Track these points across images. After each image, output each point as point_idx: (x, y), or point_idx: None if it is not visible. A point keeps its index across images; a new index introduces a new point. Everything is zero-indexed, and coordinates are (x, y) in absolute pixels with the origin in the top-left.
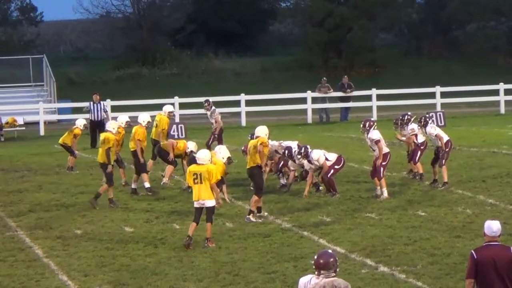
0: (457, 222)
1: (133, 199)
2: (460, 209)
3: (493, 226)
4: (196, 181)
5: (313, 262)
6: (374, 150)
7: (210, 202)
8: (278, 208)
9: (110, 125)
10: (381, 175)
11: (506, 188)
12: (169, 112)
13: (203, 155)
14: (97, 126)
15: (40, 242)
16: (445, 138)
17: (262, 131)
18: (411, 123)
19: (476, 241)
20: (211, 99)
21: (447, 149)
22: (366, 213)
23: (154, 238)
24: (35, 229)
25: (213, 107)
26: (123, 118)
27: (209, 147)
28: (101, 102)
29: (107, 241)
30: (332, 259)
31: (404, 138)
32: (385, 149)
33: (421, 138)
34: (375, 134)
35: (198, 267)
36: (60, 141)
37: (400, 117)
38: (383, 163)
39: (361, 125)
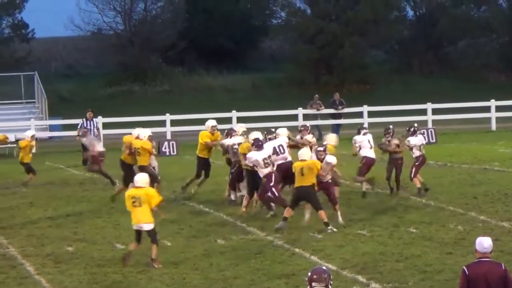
0: (449, 239)
1: (124, 216)
2: (452, 226)
3: (484, 243)
4: (135, 204)
5: (307, 278)
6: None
7: (148, 226)
8: (269, 225)
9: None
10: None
11: (497, 205)
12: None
13: (140, 178)
14: None
15: (32, 259)
16: (418, 153)
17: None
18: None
19: (467, 258)
20: (202, 116)
21: (416, 163)
22: (357, 230)
23: (145, 255)
24: (26, 246)
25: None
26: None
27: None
28: (94, 119)
29: (99, 258)
30: (325, 275)
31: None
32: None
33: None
34: (331, 158)
35: (189, 284)
36: (20, 159)
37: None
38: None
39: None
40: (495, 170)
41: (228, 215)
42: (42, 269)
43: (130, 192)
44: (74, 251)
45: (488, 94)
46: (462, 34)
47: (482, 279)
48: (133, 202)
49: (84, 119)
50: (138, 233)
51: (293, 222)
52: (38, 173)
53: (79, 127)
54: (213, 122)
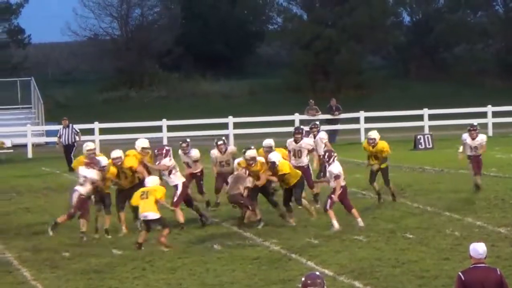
0: (446, 245)
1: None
2: (448, 232)
3: (478, 249)
4: (142, 197)
5: (300, 284)
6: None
7: (153, 215)
8: (266, 231)
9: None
10: (328, 207)
11: (494, 211)
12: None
13: (151, 180)
14: (69, 149)
15: (28, 264)
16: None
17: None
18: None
19: (464, 263)
20: (199, 121)
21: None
22: (354, 236)
23: (142, 260)
24: (23, 252)
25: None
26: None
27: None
28: (70, 125)
29: (95, 263)
30: (319, 280)
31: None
32: (342, 183)
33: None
34: (335, 167)
35: None
36: None
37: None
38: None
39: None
40: (492, 176)
41: (224, 221)
42: (39, 274)
43: (140, 189)
44: (70, 256)
45: (485, 99)
46: (459, 39)
47: (478, 284)
48: (141, 195)
49: (61, 127)
50: (146, 223)
51: (290, 227)
52: (35, 178)
53: (57, 136)
54: (145, 143)
